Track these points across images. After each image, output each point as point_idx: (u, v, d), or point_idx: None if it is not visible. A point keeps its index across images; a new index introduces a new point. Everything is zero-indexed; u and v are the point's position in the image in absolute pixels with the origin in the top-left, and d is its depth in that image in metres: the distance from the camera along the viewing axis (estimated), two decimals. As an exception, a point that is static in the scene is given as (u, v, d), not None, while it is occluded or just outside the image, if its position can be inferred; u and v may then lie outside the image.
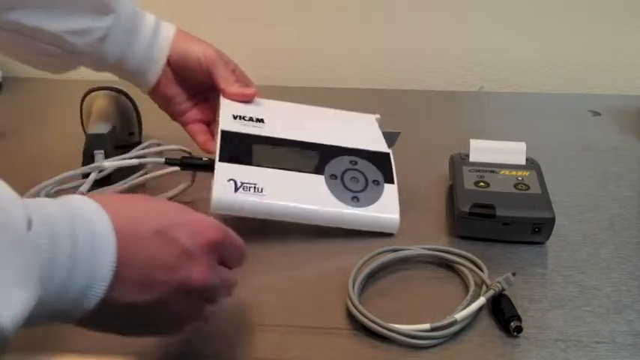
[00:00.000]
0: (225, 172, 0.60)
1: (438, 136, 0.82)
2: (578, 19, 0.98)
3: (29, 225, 0.32)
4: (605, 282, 0.56)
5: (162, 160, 0.65)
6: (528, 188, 0.62)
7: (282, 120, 0.68)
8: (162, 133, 0.74)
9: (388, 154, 0.67)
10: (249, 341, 0.49)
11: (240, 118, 0.66)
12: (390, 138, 0.69)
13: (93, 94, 0.76)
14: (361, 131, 0.69)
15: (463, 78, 1.02)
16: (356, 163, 0.65)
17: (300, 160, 0.64)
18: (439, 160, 0.72)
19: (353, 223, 0.61)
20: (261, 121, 0.67)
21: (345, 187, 0.63)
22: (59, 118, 0.88)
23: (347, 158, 0.65)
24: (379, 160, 0.65)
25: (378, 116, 0.72)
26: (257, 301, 0.53)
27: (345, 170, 0.64)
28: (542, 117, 0.90)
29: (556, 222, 0.59)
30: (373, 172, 0.64)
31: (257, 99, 0.70)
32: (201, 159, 0.64)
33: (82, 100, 0.77)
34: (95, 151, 0.67)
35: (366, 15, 1.01)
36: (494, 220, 0.59)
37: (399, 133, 0.69)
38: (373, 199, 0.62)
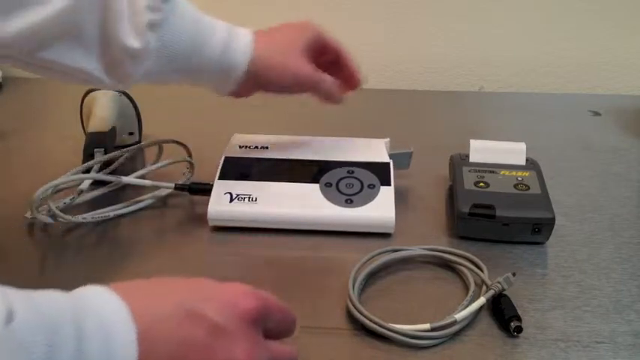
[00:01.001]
0: (222, 186, 0.63)
1: (438, 136, 0.82)
2: (578, 19, 0.98)
3: (10, 317, 0.27)
4: (605, 282, 0.56)
5: (172, 185, 0.66)
6: (528, 188, 0.62)
7: (287, 146, 0.69)
8: (162, 132, 0.74)
9: (388, 163, 0.66)
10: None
11: (246, 147, 0.68)
12: (402, 159, 0.69)
13: (93, 94, 0.76)
14: (365, 150, 0.68)
15: (463, 78, 1.02)
16: (353, 172, 0.65)
17: (297, 172, 0.64)
18: (439, 160, 0.71)
19: (347, 225, 0.61)
20: (265, 147, 0.68)
21: (340, 192, 0.63)
22: (59, 118, 0.88)
23: (344, 169, 0.65)
24: (378, 168, 0.65)
25: (387, 140, 0.70)
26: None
27: (341, 178, 0.64)
28: (542, 117, 0.90)
29: (556, 222, 0.59)
30: (369, 178, 0.64)
31: (268, 136, 0.71)
32: (208, 184, 0.64)
33: (82, 100, 0.77)
34: (95, 150, 0.68)
35: (366, 15, 1.01)
36: (495, 221, 0.59)
37: (412, 152, 0.69)
38: (367, 200, 0.62)
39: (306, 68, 0.61)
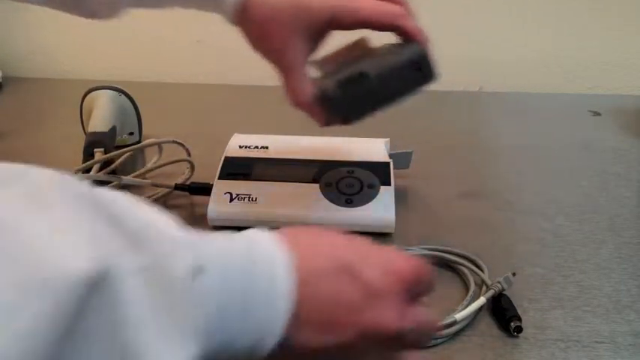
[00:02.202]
0: (222, 186, 0.63)
1: (438, 136, 0.82)
2: (578, 19, 0.98)
3: (200, 271, 0.29)
4: (605, 282, 0.56)
5: (172, 185, 0.67)
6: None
7: (287, 145, 0.69)
8: (162, 132, 0.74)
9: (388, 163, 0.66)
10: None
11: (246, 147, 0.68)
12: (402, 159, 0.69)
13: (93, 93, 0.76)
14: (365, 150, 0.68)
15: (463, 78, 1.02)
16: (353, 172, 0.65)
17: (297, 173, 0.64)
18: (439, 160, 0.71)
19: (347, 225, 0.61)
20: (265, 147, 0.68)
21: (340, 192, 0.63)
22: (59, 118, 0.88)
23: (344, 169, 0.65)
24: (378, 168, 0.65)
25: (387, 140, 0.70)
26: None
27: (341, 178, 0.64)
28: (542, 117, 0.90)
29: (556, 222, 0.59)
30: (370, 178, 0.64)
31: (268, 136, 0.70)
32: (208, 184, 0.64)
33: (82, 100, 0.77)
34: (95, 150, 0.68)
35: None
36: (370, 81, 0.51)
37: (412, 152, 0.69)
38: (367, 200, 0.62)
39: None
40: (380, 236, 0.61)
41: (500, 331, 0.50)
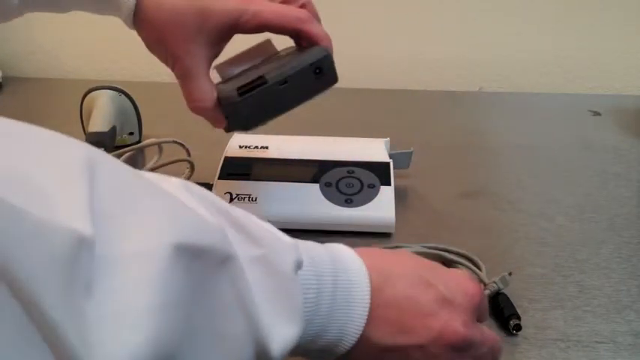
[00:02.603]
0: (222, 187, 0.63)
1: (438, 136, 0.82)
2: (578, 19, 0.98)
3: (299, 266, 0.33)
4: (605, 282, 0.56)
5: None
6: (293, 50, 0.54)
7: (287, 146, 0.69)
8: (162, 132, 0.74)
9: (388, 163, 0.66)
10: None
11: (246, 147, 0.68)
12: (402, 159, 0.69)
13: (93, 93, 0.76)
14: (365, 150, 0.68)
15: (463, 78, 1.02)
16: (353, 172, 0.65)
17: (297, 173, 0.64)
18: (439, 160, 0.71)
19: (347, 224, 0.61)
20: (265, 147, 0.68)
21: (340, 191, 0.63)
22: (59, 118, 0.88)
23: (344, 169, 0.65)
24: (378, 168, 0.65)
25: (387, 139, 0.70)
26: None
27: (341, 178, 0.64)
28: (542, 117, 0.90)
29: (556, 222, 0.59)
30: (370, 178, 0.64)
31: (268, 136, 0.70)
32: (208, 184, 0.64)
33: (82, 100, 0.77)
34: (95, 150, 0.67)
35: (366, 16, 1.01)
36: (269, 86, 0.50)
37: (412, 152, 0.69)
38: (367, 200, 0.62)
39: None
40: (380, 236, 0.61)
41: (499, 331, 0.50)
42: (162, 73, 1.05)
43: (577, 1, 0.97)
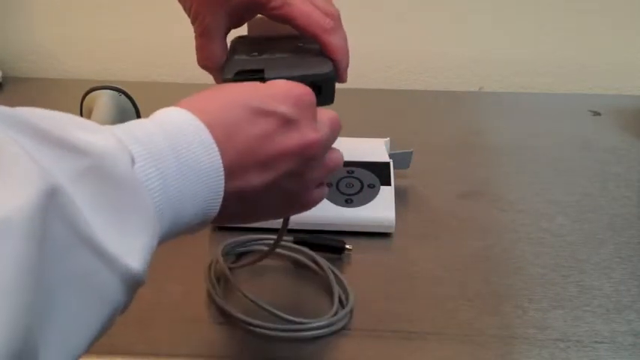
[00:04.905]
0: None
1: (438, 136, 0.82)
2: (578, 19, 0.98)
3: (133, 161, 0.31)
4: (605, 282, 0.56)
5: None
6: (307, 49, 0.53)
7: None
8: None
9: (388, 163, 0.66)
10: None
11: None
12: (402, 159, 0.68)
13: (93, 93, 0.76)
14: (365, 150, 0.68)
15: (463, 78, 1.02)
16: (353, 172, 0.65)
17: None
18: (439, 160, 0.71)
19: (347, 224, 0.61)
20: None
21: (340, 191, 0.62)
22: (59, 118, 0.88)
23: (344, 169, 0.65)
24: (378, 168, 0.65)
25: (387, 139, 0.70)
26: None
27: (341, 178, 0.64)
28: (542, 117, 0.90)
29: (556, 222, 0.59)
30: (370, 178, 0.64)
31: None
32: None
33: (82, 100, 0.77)
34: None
35: (366, 15, 1.01)
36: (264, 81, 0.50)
37: (412, 152, 0.69)
38: (367, 200, 0.62)
39: None
40: (380, 236, 0.61)
41: (499, 331, 0.50)
42: (162, 73, 1.05)
43: (577, 1, 0.97)
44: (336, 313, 0.50)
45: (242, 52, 0.54)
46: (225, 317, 0.51)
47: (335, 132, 0.43)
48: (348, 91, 1.08)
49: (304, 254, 0.58)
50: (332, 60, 0.51)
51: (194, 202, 0.34)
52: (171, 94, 0.96)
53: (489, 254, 0.59)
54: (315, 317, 0.50)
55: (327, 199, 0.62)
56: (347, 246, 0.58)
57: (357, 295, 0.52)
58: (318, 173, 0.42)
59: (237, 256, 0.59)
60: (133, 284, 0.29)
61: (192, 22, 0.53)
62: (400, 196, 0.64)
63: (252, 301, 0.51)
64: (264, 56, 0.52)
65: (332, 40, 0.51)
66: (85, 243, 0.27)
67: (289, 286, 0.56)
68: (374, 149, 0.68)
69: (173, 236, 0.35)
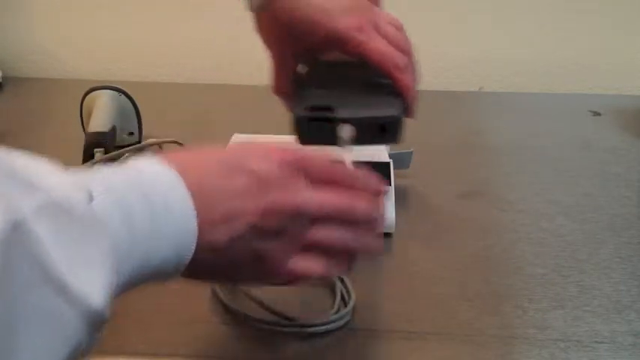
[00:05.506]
0: None
1: (438, 136, 0.82)
2: (578, 19, 0.98)
3: (91, 197, 0.31)
4: (605, 282, 0.56)
5: None
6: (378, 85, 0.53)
7: (287, 146, 0.68)
8: (162, 132, 0.74)
9: (388, 163, 0.66)
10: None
11: None
12: (402, 159, 0.68)
13: (93, 93, 0.76)
14: (365, 149, 0.67)
15: (463, 78, 1.02)
16: None
17: None
18: (439, 160, 0.71)
19: None
20: None
21: None
22: (59, 118, 0.88)
23: None
24: (378, 168, 0.64)
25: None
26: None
27: None
28: (542, 117, 0.90)
29: (556, 222, 0.59)
30: None
31: (268, 136, 0.70)
32: None
33: (82, 100, 0.77)
34: (95, 150, 0.68)
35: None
36: (333, 119, 0.51)
37: (412, 152, 0.69)
38: None
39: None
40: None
41: (500, 331, 0.50)
42: (162, 73, 1.05)
43: (577, 1, 0.97)
44: (337, 311, 0.50)
45: (311, 84, 0.55)
46: (229, 316, 0.51)
47: (338, 210, 0.40)
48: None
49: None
50: (402, 97, 0.52)
51: (166, 242, 0.34)
52: (171, 94, 0.97)
53: (489, 254, 0.59)
54: (317, 315, 0.50)
55: None
56: None
57: (357, 295, 0.52)
58: (291, 240, 0.39)
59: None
60: (96, 322, 0.29)
61: (267, 49, 0.55)
62: (400, 196, 0.64)
63: (253, 299, 0.51)
64: (334, 91, 0.53)
65: (404, 79, 0.52)
66: (48, 278, 0.26)
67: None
68: (374, 149, 0.68)
69: (146, 279, 0.34)
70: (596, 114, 0.91)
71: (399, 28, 0.54)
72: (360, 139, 0.51)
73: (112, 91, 0.76)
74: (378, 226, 0.43)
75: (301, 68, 0.54)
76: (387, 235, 0.61)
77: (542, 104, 0.95)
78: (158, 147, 0.71)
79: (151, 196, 0.34)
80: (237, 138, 0.70)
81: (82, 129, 0.77)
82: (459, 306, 0.52)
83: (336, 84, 0.53)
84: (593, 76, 1.01)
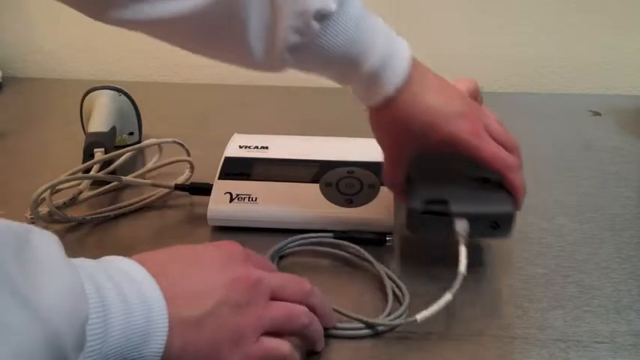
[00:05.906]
0: (222, 186, 0.63)
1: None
2: (578, 19, 0.98)
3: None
4: (605, 282, 0.56)
5: (172, 185, 0.67)
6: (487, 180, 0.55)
7: (287, 146, 0.69)
8: (162, 132, 0.74)
9: None
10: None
11: (246, 147, 0.68)
12: None
13: (93, 93, 0.76)
14: (365, 150, 0.68)
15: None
16: (353, 172, 0.65)
17: (297, 173, 0.64)
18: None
19: (347, 225, 0.61)
20: (265, 147, 0.68)
21: (340, 192, 0.63)
22: (59, 118, 0.88)
23: (344, 169, 0.65)
24: (378, 168, 0.65)
25: None
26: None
27: (341, 178, 0.64)
28: (542, 117, 0.90)
29: (556, 222, 0.59)
30: (370, 178, 0.64)
31: (268, 136, 0.70)
32: (208, 184, 0.64)
33: (82, 100, 0.77)
34: (95, 150, 0.68)
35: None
36: (448, 213, 0.53)
37: None
38: (367, 200, 0.62)
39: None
40: (380, 236, 0.61)
41: (499, 331, 0.50)
42: (162, 73, 1.05)
43: (577, 1, 0.97)
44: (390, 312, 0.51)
45: (426, 177, 0.56)
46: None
47: (305, 297, 0.45)
48: (348, 91, 1.08)
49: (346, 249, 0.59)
50: (512, 194, 0.53)
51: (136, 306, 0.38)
52: (171, 94, 0.97)
53: (489, 254, 0.59)
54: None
55: (327, 199, 0.62)
56: (387, 237, 0.59)
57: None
58: (257, 311, 0.42)
59: (280, 258, 0.59)
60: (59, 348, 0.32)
61: (381, 145, 0.57)
62: (400, 196, 0.64)
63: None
64: (448, 185, 0.54)
65: (515, 179, 0.54)
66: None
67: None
68: (374, 149, 0.68)
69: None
70: (596, 114, 0.91)
71: (501, 125, 0.56)
72: (473, 233, 0.52)
73: (111, 91, 0.76)
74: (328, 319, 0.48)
75: (414, 161, 0.55)
76: (386, 234, 0.61)
77: (542, 104, 0.95)
78: (158, 147, 0.71)
79: (115, 275, 0.39)
80: (237, 138, 0.70)
81: (81, 129, 0.77)
82: (460, 306, 0.52)
83: (449, 178, 0.55)
84: (593, 76, 1.01)
